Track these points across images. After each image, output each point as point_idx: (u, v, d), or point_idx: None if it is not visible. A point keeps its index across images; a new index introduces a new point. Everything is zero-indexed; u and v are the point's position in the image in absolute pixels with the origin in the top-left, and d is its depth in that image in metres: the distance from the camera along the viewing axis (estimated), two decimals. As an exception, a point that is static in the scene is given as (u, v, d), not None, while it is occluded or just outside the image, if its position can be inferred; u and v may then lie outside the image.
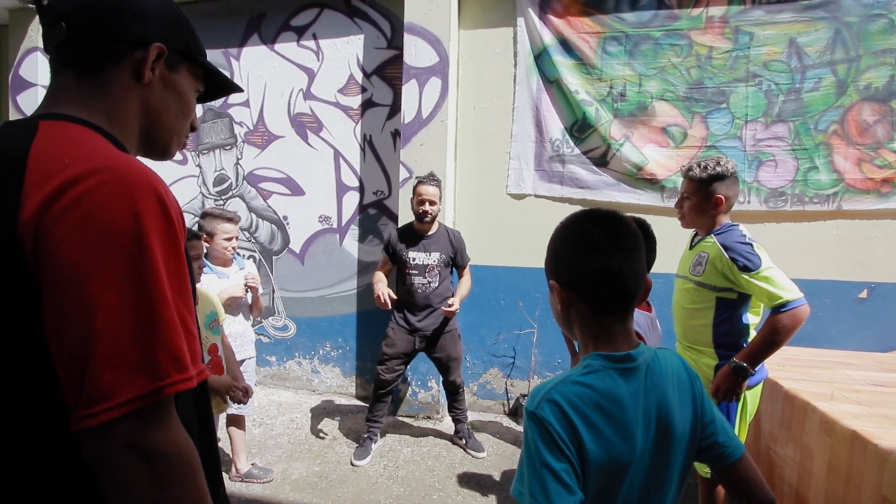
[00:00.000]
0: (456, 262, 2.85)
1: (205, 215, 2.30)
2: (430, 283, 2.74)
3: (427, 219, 2.70)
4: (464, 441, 2.93)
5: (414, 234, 2.77)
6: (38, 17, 0.64)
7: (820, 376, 2.28)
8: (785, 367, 2.41)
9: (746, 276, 1.62)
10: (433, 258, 2.74)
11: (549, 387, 0.74)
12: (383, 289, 2.63)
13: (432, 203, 2.67)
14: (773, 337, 1.60)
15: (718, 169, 1.70)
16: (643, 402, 0.75)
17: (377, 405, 2.83)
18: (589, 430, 0.69)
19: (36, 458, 0.57)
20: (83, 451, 0.52)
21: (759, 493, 0.79)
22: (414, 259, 2.73)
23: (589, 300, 0.78)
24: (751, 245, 1.65)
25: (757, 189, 3.04)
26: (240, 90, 0.85)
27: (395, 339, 2.77)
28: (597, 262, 0.76)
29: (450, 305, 2.67)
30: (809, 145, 2.96)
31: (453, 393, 2.91)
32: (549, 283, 0.83)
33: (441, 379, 3.00)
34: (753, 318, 1.77)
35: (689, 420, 0.79)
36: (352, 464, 2.69)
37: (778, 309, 1.60)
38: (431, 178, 2.73)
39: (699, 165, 1.73)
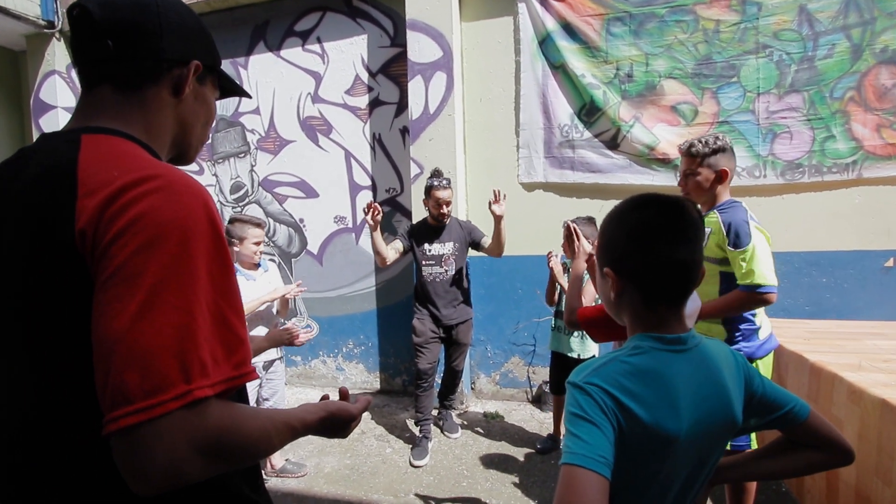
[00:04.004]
0: (474, 239, 2.92)
1: (232, 221, 2.38)
2: (446, 271, 2.84)
3: (445, 220, 2.82)
4: (441, 423, 3.10)
5: (428, 228, 2.88)
6: (69, 33, 0.64)
7: (847, 347, 2.25)
8: (810, 340, 2.39)
9: (732, 250, 1.67)
10: (447, 247, 2.85)
11: (595, 366, 0.73)
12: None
13: (448, 204, 2.79)
14: (731, 307, 1.69)
15: (720, 143, 1.73)
16: (693, 382, 0.73)
17: (420, 399, 2.88)
18: (635, 402, 0.69)
19: (85, 465, 0.57)
20: (114, 456, 0.50)
21: (837, 441, 0.81)
22: (430, 250, 2.84)
23: (646, 290, 0.76)
24: (748, 224, 1.67)
25: (773, 162, 2.99)
26: (248, 95, 0.89)
27: (422, 328, 2.86)
28: (661, 254, 0.73)
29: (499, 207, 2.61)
30: (825, 114, 2.90)
31: (453, 378, 3.05)
32: (602, 270, 0.81)
33: (444, 369, 3.09)
34: None
35: (741, 401, 0.79)
36: (411, 464, 2.69)
37: (751, 288, 1.63)
38: (443, 180, 2.78)
39: (700, 141, 1.75)
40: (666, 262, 0.74)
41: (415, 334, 2.87)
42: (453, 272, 2.86)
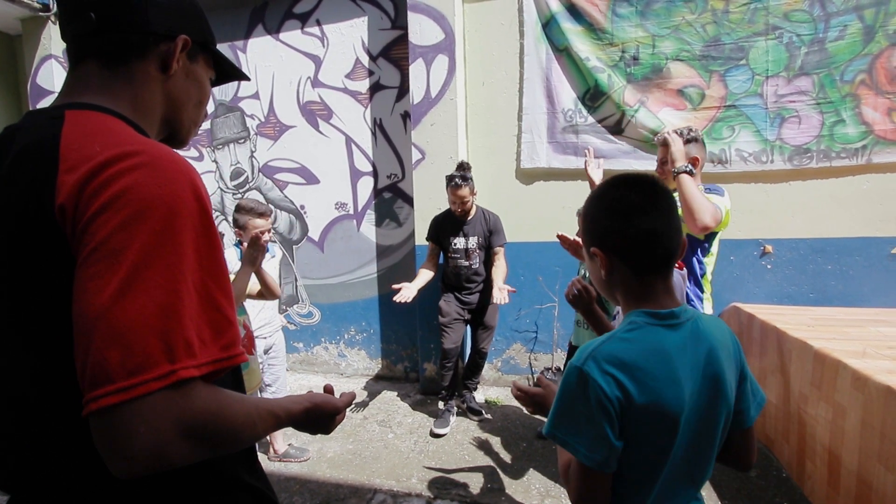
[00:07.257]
0: (490, 242, 2.95)
1: (238, 209, 2.31)
2: (471, 264, 2.96)
3: (466, 217, 2.92)
4: (465, 405, 3.15)
5: (453, 221, 2.95)
6: (55, 11, 0.63)
7: (851, 334, 2.23)
8: (814, 327, 2.37)
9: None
10: (472, 242, 2.95)
11: (594, 345, 0.75)
12: (408, 285, 2.81)
13: (465, 202, 2.83)
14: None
15: (692, 134, 1.93)
16: (690, 354, 0.76)
17: (445, 377, 3.03)
18: (634, 382, 0.71)
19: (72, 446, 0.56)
20: (93, 437, 0.48)
21: (751, 457, 0.86)
22: (455, 244, 2.95)
23: (632, 263, 0.80)
24: (719, 194, 1.85)
25: (780, 147, 2.94)
26: (246, 78, 0.86)
27: (447, 309, 2.97)
28: (638, 225, 0.78)
29: (502, 299, 2.68)
30: (835, 98, 2.83)
31: (479, 361, 3.11)
32: (589, 251, 0.84)
33: (469, 351, 3.18)
34: (710, 262, 1.92)
35: (735, 378, 0.81)
36: (432, 433, 2.85)
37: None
38: (459, 177, 2.77)
39: (675, 131, 1.96)
40: (643, 233, 0.78)
41: (440, 314, 2.97)
42: (478, 264, 2.97)
